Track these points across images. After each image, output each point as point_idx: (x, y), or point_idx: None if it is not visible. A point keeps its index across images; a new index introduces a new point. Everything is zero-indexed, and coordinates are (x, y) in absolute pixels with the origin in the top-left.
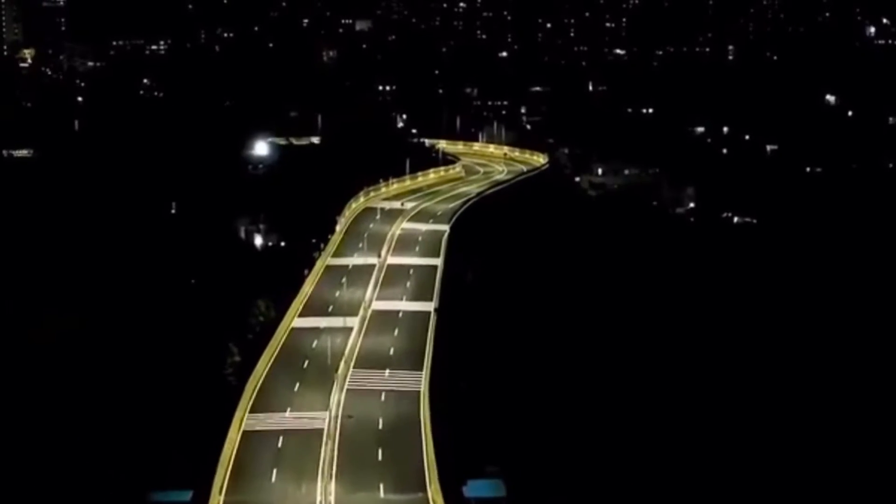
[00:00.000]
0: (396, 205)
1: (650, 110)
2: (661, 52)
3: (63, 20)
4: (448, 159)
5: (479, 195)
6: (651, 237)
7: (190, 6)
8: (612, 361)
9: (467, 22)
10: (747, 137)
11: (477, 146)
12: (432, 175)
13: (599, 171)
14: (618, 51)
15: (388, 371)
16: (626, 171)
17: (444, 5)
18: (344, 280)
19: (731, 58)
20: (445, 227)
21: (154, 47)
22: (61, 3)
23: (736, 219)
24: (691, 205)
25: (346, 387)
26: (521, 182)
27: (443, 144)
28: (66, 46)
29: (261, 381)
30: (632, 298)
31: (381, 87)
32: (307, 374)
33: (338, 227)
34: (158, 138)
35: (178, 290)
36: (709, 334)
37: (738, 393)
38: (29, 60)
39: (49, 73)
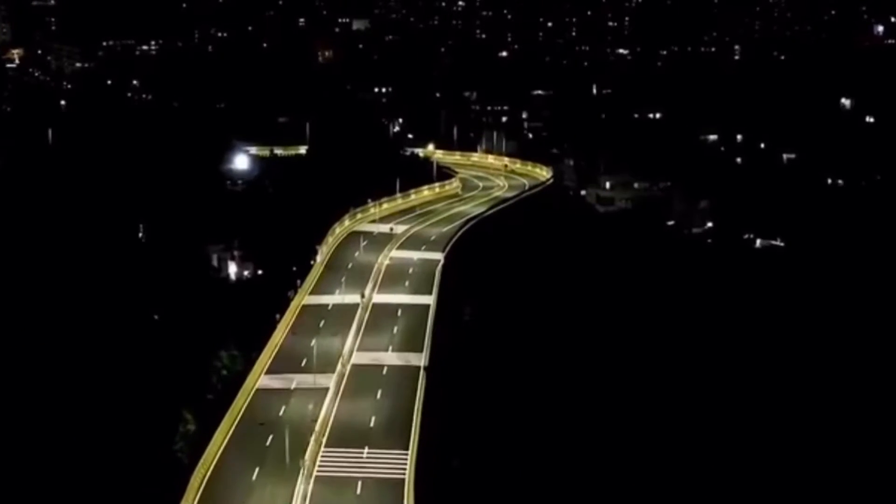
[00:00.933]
0: (385, 228)
1: (658, 115)
2: (665, 52)
3: (53, 20)
4: (444, 172)
5: (478, 217)
6: (667, 263)
7: (184, 5)
8: (634, 420)
9: (466, 21)
10: (762, 146)
11: (475, 156)
12: (426, 192)
13: (607, 184)
14: (621, 50)
15: (366, 450)
16: (636, 185)
17: (443, 4)
18: (322, 324)
19: (737, 58)
20: (440, 256)
21: (145, 47)
22: (52, 2)
23: (759, 241)
24: (708, 224)
25: (315, 474)
26: (523, 200)
27: (439, 155)
28: (53, 47)
29: (213, 464)
30: (649, 337)
31: (377, 90)
32: (270, 454)
33: (318, 258)
34: (136, 149)
35: (138, 329)
36: (733, 377)
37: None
38: (17, 61)
39: (37, 74)
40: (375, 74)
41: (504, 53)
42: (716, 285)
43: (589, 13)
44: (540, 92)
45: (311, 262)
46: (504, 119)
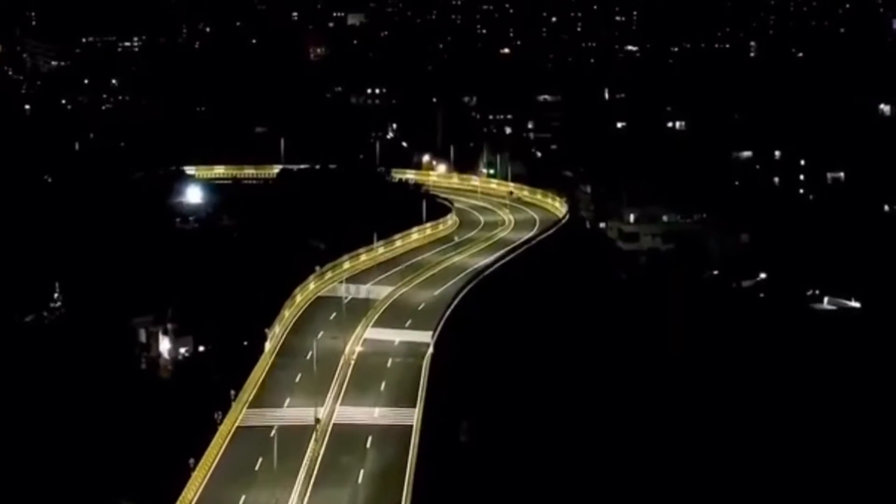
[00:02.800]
0: (362, 291)
1: (680, 124)
2: (676, 49)
3: (33, 14)
4: (438, 202)
5: (478, 277)
6: (716, 331)
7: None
8: None
9: (466, 15)
10: (803, 163)
11: (476, 180)
12: (415, 236)
13: (631, 217)
14: (629, 47)
15: None
16: (665, 218)
17: None
18: (259, 465)
19: (752, 55)
20: (428, 338)
21: (127, 44)
22: None
23: (826, 300)
24: (761, 276)
25: None
26: (534, 249)
27: (433, 178)
28: (29, 44)
29: None
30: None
31: (370, 91)
32: None
33: (268, 344)
34: (80, 173)
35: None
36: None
37: None
38: None
39: (10, 73)
40: (369, 74)
41: (506, 50)
42: (780, 365)
43: (595, 7)
44: (546, 97)
45: (265, 338)
46: (508, 130)
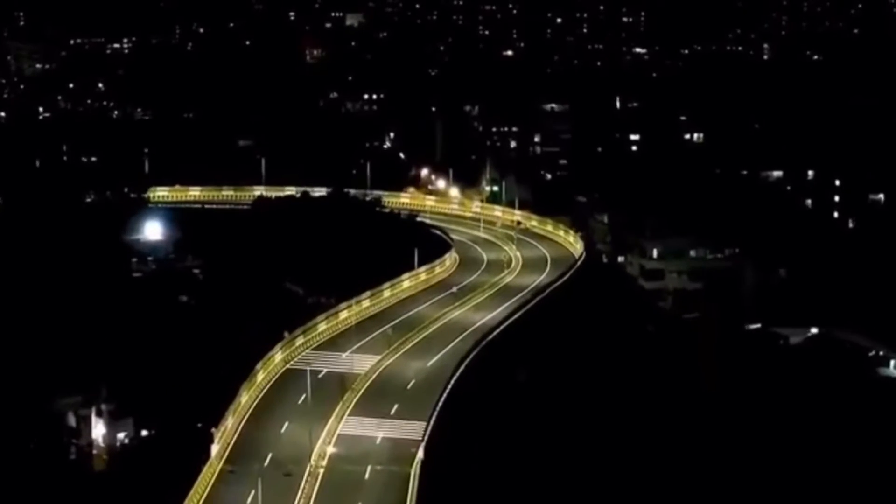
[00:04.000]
0: (342, 364)
1: (698, 136)
2: (686, 51)
3: (21, 14)
4: (435, 234)
5: (483, 341)
6: (767, 408)
7: None
8: None
9: (468, 16)
10: (838, 183)
11: (477, 207)
12: (406, 283)
13: (654, 252)
14: (637, 49)
15: None
16: (693, 253)
17: None
18: None
19: (765, 57)
20: (418, 434)
21: (116, 45)
22: None
23: (894, 364)
24: (812, 331)
25: None
26: (548, 301)
27: (430, 203)
28: (13, 46)
29: None
30: None
31: (367, 97)
32: None
33: (214, 447)
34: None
35: None
36: None
37: None
38: None
39: None
40: (367, 77)
41: (509, 52)
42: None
43: (601, 8)
44: (553, 106)
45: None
46: (512, 143)
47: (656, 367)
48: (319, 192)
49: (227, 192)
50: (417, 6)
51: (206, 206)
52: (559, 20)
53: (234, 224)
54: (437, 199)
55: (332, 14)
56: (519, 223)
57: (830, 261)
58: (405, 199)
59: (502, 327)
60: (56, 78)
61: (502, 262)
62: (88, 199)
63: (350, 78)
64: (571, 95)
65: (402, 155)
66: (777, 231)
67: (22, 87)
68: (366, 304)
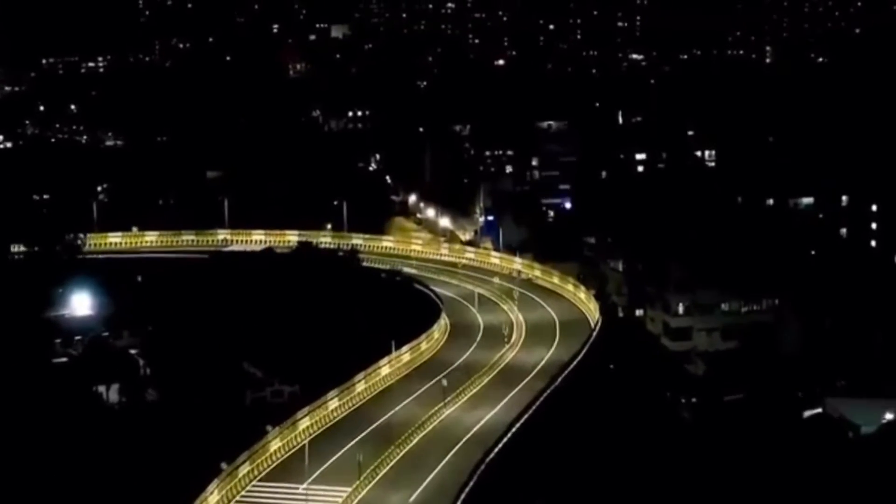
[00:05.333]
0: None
1: (711, 154)
2: (685, 56)
3: None
4: (422, 291)
5: (482, 462)
6: None
7: (147, 12)
8: None
9: (457, 25)
10: (875, 209)
11: (471, 252)
12: (385, 371)
13: (679, 306)
14: (634, 55)
15: None
16: (724, 306)
17: (430, 6)
18: None
19: (768, 60)
20: None
21: (91, 64)
22: None
23: None
24: (887, 416)
25: None
26: (561, 391)
27: (416, 247)
28: None
29: None
30: None
31: (351, 114)
32: None
33: None
34: None
35: None
36: None
37: None
38: None
39: None
40: (351, 93)
41: (501, 61)
42: None
43: (595, 13)
44: (551, 123)
45: None
46: (508, 168)
47: (696, 473)
48: (291, 236)
49: (188, 238)
50: (404, 15)
51: (162, 256)
52: (552, 26)
53: (187, 282)
54: (424, 242)
55: (317, 25)
56: (519, 273)
57: (880, 305)
58: (388, 244)
59: (507, 438)
60: (25, 100)
61: (502, 329)
62: (15, 252)
63: (334, 93)
64: (569, 110)
65: (388, 179)
66: (818, 272)
67: None
68: (333, 404)
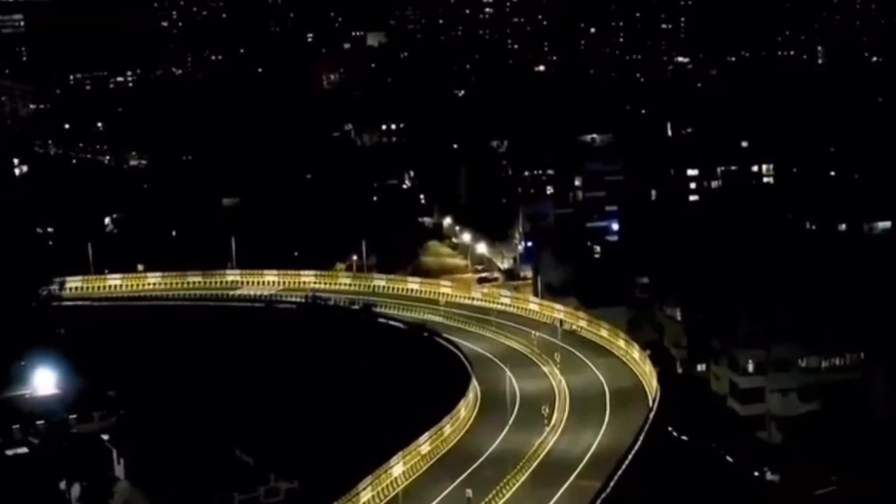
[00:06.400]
0: None
1: (769, 168)
2: (733, 58)
3: (23, 49)
4: (449, 351)
5: None
6: None
7: (180, 24)
8: None
9: (496, 30)
10: None
11: (507, 298)
12: (398, 470)
13: (750, 363)
14: (680, 58)
15: None
16: (803, 362)
17: (468, 11)
18: None
19: (820, 61)
20: None
21: (120, 79)
22: (22, 27)
23: None
24: None
25: None
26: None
27: (445, 290)
28: (5, 87)
29: None
30: None
31: (385, 127)
32: None
33: None
34: None
35: None
36: None
37: None
38: None
39: None
40: (386, 103)
41: (541, 67)
42: None
43: (638, 15)
44: (594, 137)
45: None
46: (549, 189)
47: None
48: (306, 277)
49: (194, 279)
50: (441, 21)
51: (160, 304)
52: (593, 30)
53: (175, 342)
54: (454, 283)
55: (353, 33)
56: (561, 323)
57: None
58: (413, 285)
59: None
60: (50, 118)
61: (541, 400)
62: None
63: (368, 105)
64: (614, 120)
65: (422, 198)
66: None
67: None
68: None
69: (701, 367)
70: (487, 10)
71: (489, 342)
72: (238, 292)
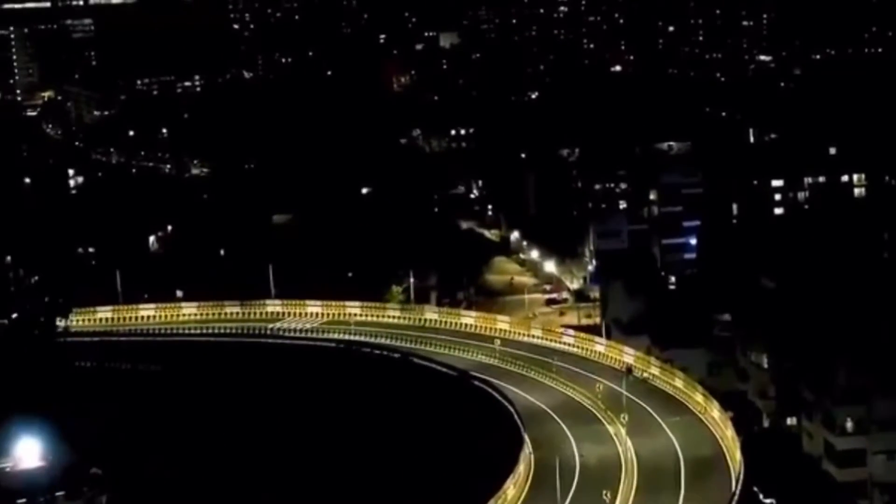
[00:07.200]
0: None
1: (860, 179)
2: (817, 56)
3: (92, 53)
4: (495, 402)
5: None
6: None
7: (251, 26)
8: None
9: (570, 29)
10: None
11: (570, 336)
12: None
13: (848, 421)
14: (762, 57)
15: None
16: None
17: (542, 10)
18: None
19: None
20: None
21: (188, 83)
22: (92, 31)
23: None
24: None
25: None
26: None
27: (502, 327)
28: (72, 92)
29: None
30: None
31: (454, 132)
32: None
33: None
34: None
35: None
36: None
37: None
38: (38, 109)
39: (49, 128)
40: (456, 107)
41: (617, 67)
42: None
43: (718, 12)
44: (672, 145)
45: None
46: (622, 203)
47: None
48: (352, 308)
49: (232, 309)
50: (515, 21)
51: (188, 340)
52: (671, 28)
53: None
54: (512, 320)
55: (426, 34)
56: (630, 370)
57: None
58: (468, 320)
59: None
60: (114, 125)
61: (605, 473)
62: None
63: (437, 109)
64: (692, 124)
65: (489, 209)
66: None
67: (77, 142)
68: None
69: (791, 421)
70: (562, 8)
71: (548, 392)
72: (277, 325)
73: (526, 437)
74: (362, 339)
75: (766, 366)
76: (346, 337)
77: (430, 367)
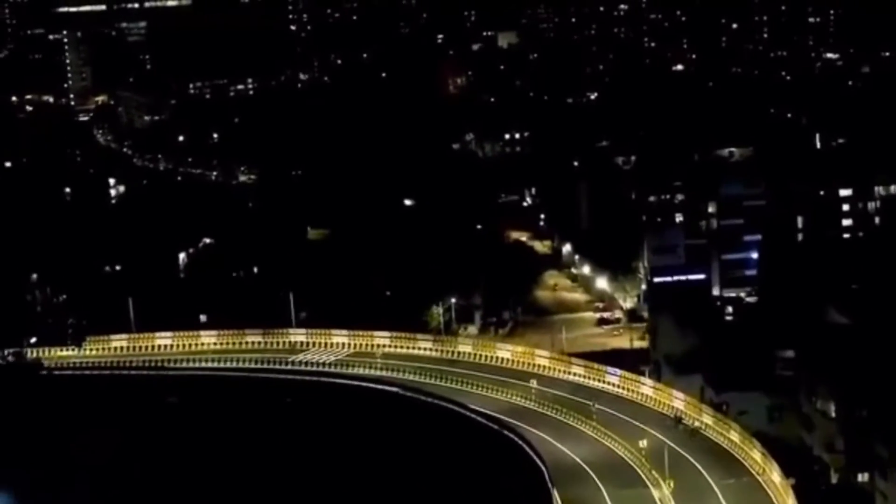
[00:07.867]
0: None
1: None
2: (888, 54)
3: (147, 57)
4: (527, 458)
5: None
6: None
7: (308, 27)
8: None
9: (631, 27)
10: None
11: (614, 376)
12: None
13: None
14: (829, 55)
15: None
16: None
17: (602, 8)
18: None
19: None
20: None
21: (241, 87)
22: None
23: None
24: None
25: None
26: None
27: (542, 362)
28: (124, 97)
29: None
30: None
31: (508, 136)
32: None
33: None
34: None
35: None
36: None
37: None
38: (90, 114)
39: (99, 134)
40: (512, 110)
41: (679, 66)
42: None
43: (783, 8)
44: (733, 151)
45: None
46: (679, 217)
47: None
48: (380, 338)
49: (253, 338)
50: (574, 20)
51: (206, 373)
52: (735, 25)
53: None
54: (552, 355)
55: (484, 33)
56: (680, 420)
57: None
58: (504, 354)
59: None
60: (164, 130)
61: None
62: None
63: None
64: (756, 127)
65: (542, 219)
66: None
67: (125, 149)
68: None
69: (862, 478)
70: (622, 6)
71: (585, 443)
72: (299, 357)
73: (557, 500)
74: (385, 373)
75: (833, 414)
76: (370, 372)
77: (456, 412)
